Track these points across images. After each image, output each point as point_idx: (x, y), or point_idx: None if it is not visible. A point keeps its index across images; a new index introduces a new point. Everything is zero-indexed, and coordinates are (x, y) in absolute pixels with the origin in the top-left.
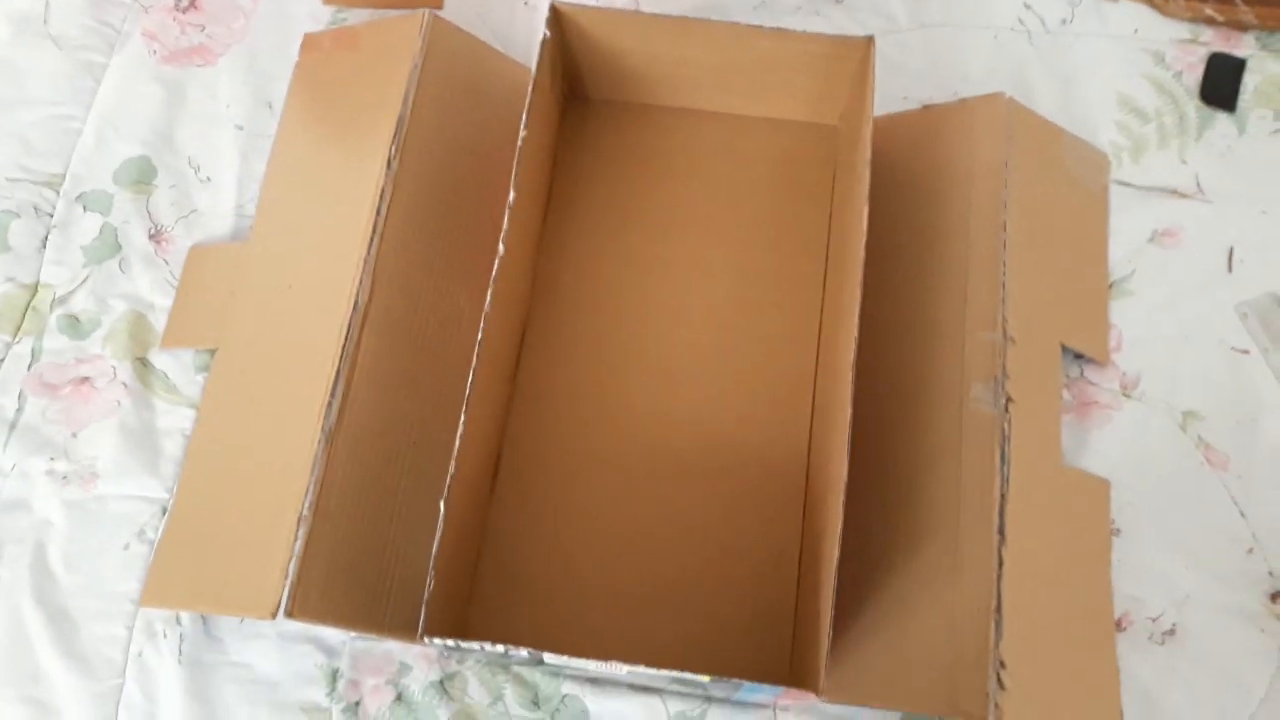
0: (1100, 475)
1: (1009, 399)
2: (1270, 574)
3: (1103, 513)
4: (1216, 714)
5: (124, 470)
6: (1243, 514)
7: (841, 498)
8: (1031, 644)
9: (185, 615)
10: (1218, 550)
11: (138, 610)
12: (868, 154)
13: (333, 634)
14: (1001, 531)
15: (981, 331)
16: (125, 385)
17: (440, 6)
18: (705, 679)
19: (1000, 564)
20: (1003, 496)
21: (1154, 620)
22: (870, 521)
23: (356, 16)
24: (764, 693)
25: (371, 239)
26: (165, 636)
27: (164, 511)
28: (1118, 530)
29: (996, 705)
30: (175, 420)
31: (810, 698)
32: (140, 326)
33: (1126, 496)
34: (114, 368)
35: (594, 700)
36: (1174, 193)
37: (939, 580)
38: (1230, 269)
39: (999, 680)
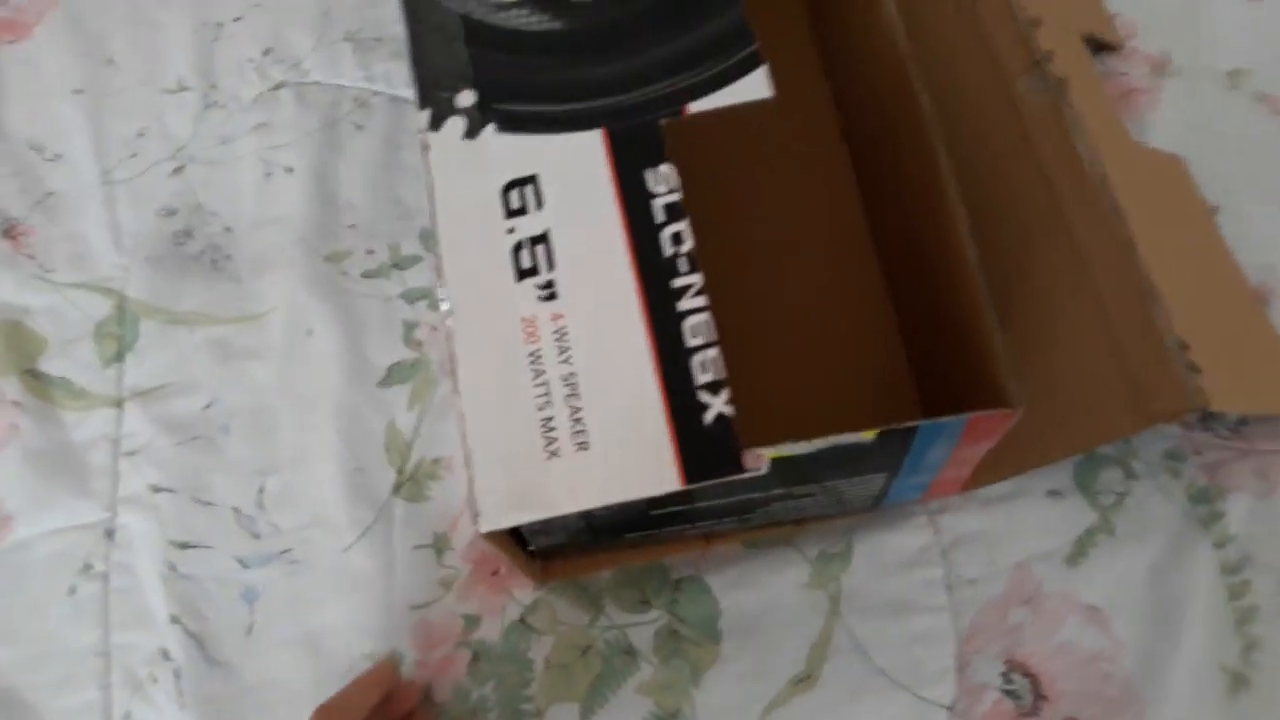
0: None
1: (1062, 80)
2: None
3: (1190, 187)
4: None
5: (42, 503)
6: None
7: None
8: (1197, 323)
9: (176, 644)
10: None
11: (110, 661)
12: None
13: (376, 612)
14: (1117, 211)
15: (1001, 27)
16: (18, 404)
17: None
18: (868, 437)
19: (1133, 244)
20: (1103, 176)
21: None
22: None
23: None
24: (940, 438)
25: None
26: (155, 681)
27: (108, 535)
28: (1215, 207)
29: (1200, 390)
30: (95, 426)
31: (996, 427)
32: (19, 335)
33: (1207, 173)
34: None
35: (714, 576)
36: None
37: (1067, 285)
38: None
39: (1189, 364)
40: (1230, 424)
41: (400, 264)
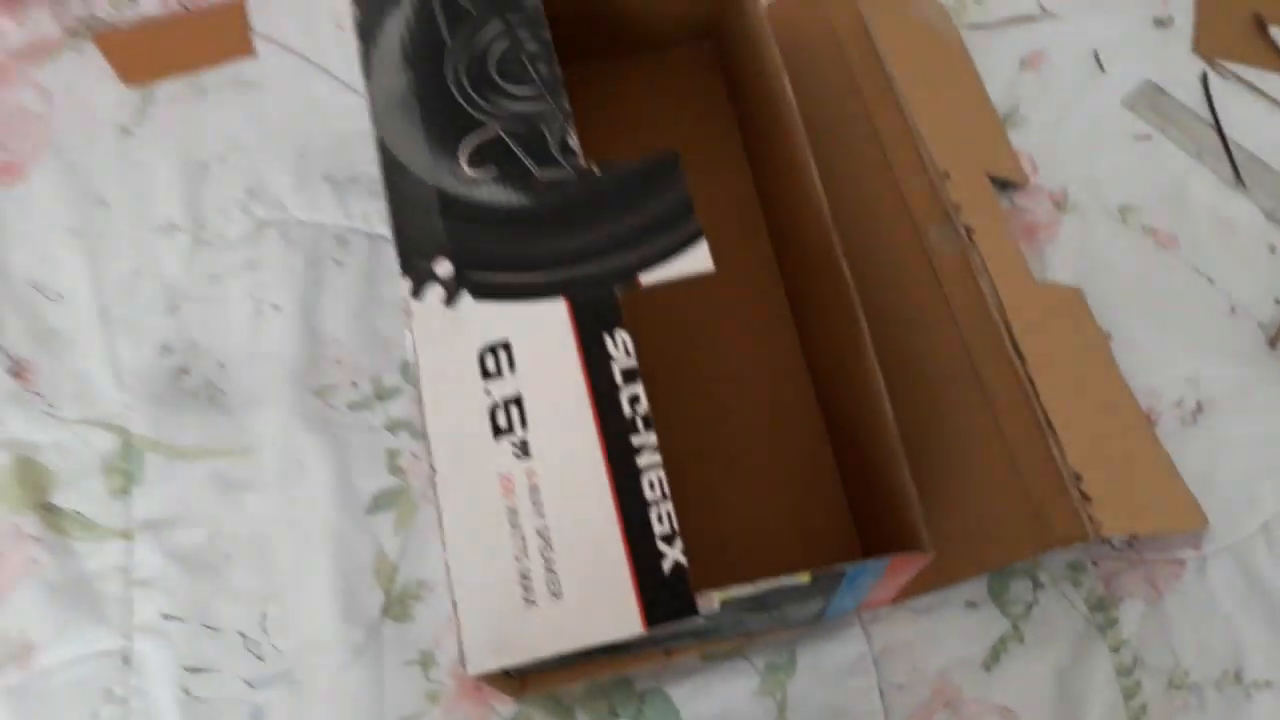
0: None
1: (969, 229)
2: (1259, 325)
3: (1087, 318)
4: (1268, 464)
5: (63, 632)
6: (1210, 280)
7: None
8: (1091, 453)
9: None
10: (1203, 321)
11: None
12: (774, 51)
13: None
14: (1020, 354)
15: (913, 177)
16: (36, 539)
17: (250, 53)
18: (804, 579)
19: (1032, 384)
20: (1006, 322)
21: (1178, 405)
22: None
23: (166, 96)
24: (866, 575)
25: None
26: None
27: (125, 661)
28: (1108, 335)
29: (1091, 518)
30: (106, 558)
31: (912, 565)
32: (31, 471)
33: (1101, 301)
34: (15, 525)
35: (674, 687)
36: (1024, 19)
37: (976, 423)
38: (1103, 70)
39: (1082, 493)
40: (1124, 536)
41: (382, 395)
